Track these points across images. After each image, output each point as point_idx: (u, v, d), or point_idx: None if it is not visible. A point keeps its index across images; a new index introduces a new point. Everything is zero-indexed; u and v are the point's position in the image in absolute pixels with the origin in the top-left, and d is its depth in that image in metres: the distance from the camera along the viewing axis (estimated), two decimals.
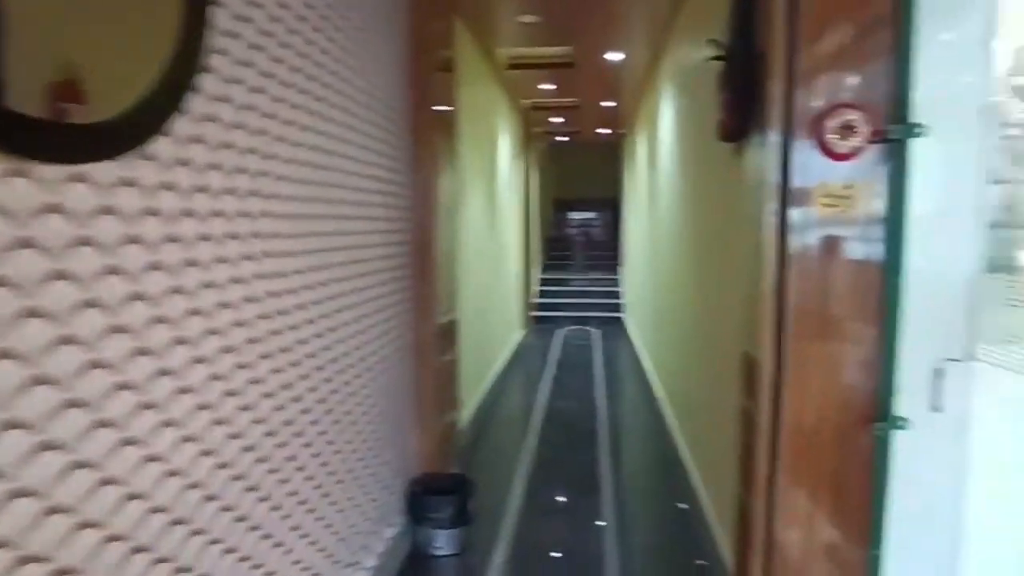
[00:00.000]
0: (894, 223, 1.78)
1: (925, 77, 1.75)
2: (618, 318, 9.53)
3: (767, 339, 1.87)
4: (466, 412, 4.28)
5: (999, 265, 2.39)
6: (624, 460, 4.16)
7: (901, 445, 1.84)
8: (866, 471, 1.86)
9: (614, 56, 4.96)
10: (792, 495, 1.88)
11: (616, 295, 10.16)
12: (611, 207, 11.81)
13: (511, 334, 7.33)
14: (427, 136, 2.93)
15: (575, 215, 14.44)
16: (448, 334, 3.26)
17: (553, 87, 6.18)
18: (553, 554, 2.93)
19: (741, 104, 2.01)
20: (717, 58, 2.14)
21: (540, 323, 9.45)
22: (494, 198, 5.83)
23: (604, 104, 7.05)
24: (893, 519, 1.87)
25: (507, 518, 3.24)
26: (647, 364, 6.16)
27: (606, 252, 11.74)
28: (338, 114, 2.05)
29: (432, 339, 3.01)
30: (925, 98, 1.75)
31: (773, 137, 1.82)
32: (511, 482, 3.69)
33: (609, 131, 9.18)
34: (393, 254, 2.64)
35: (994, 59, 1.79)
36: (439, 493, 2.86)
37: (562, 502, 3.50)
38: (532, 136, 8.97)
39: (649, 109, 5.83)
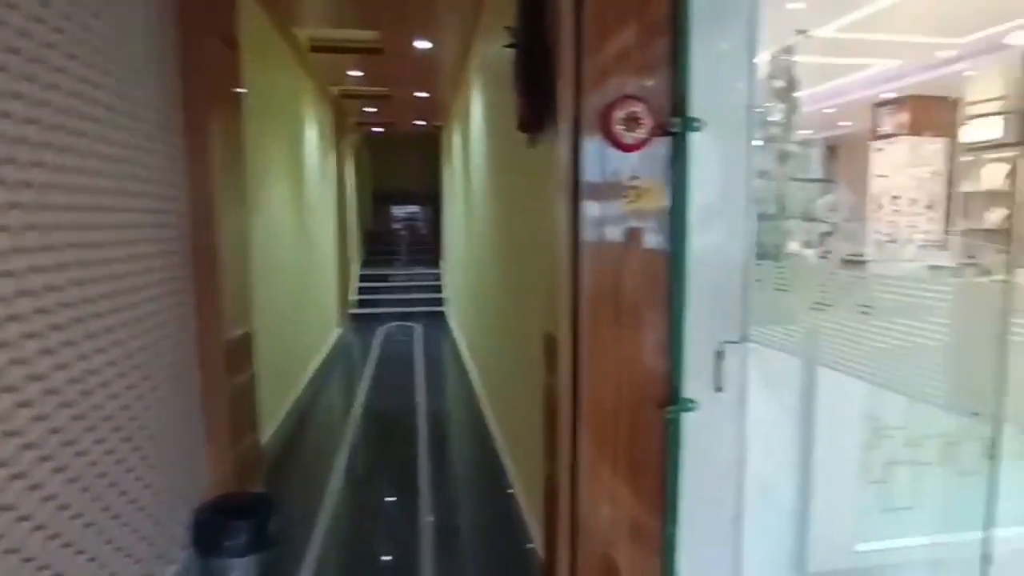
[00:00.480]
0: (677, 213, 1.85)
1: (700, 77, 1.84)
2: (441, 312, 9.48)
3: (565, 326, 1.87)
4: (273, 423, 3.93)
5: (767, 253, 2.64)
6: (445, 453, 4.08)
7: (691, 425, 1.92)
8: (662, 451, 1.93)
9: (423, 44, 4.83)
10: (595, 474, 1.90)
11: (439, 289, 10.10)
12: (434, 201, 11.73)
13: (327, 334, 6.94)
14: (205, 121, 2.57)
15: (398, 209, 14.18)
16: (241, 348, 2.92)
17: (361, 74, 5.90)
18: (372, 561, 2.76)
19: (534, 94, 1.98)
20: (511, 46, 2.10)
21: (360, 321, 9.10)
22: (302, 191, 5.44)
23: (418, 95, 6.90)
24: (686, 497, 1.95)
25: (318, 532, 3.00)
26: (466, 355, 6.16)
27: (429, 247, 11.64)
28: (74, 83, 1.69)
29: (220, 355, 2.66)
30: (700, 96, 1.83)
31: (565, 128, 1.81)
32: (324, 492, 3.44)
33: (425, 123, 9.05)
34: (162, 256, 2.28)
35: (756, 64, 1.92)
36: (233, 517, 2.55)
37: (381, 506, 3.34)
38: (345, 126, 8.56)
39: (462, 101, 5.79)
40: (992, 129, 7.01)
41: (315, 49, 4.79)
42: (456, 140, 6.89)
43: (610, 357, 1.88)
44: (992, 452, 1.73)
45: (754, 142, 1.96)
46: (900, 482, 2.20)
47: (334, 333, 7.45)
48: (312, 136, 5.94)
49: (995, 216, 7.51)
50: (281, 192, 4.56)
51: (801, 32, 2.34)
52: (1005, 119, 6.94)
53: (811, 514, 2.18)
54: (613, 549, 1.95)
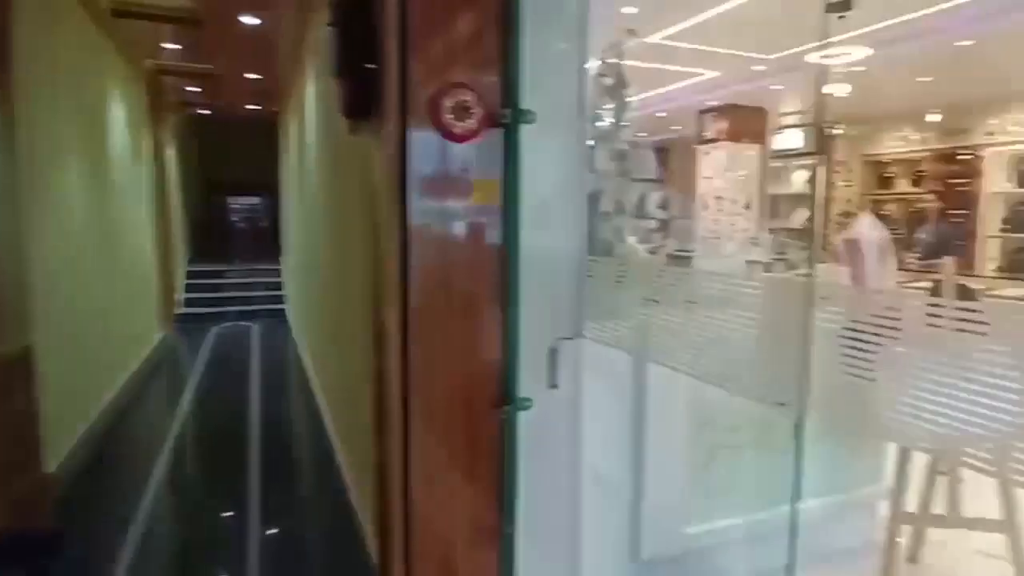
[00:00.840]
0: (510, 207, 1.79)
1: (532, 71, 1.79)
2: (282, 310, 8.90)
3: (394, 323, 1.75)
4: (66, 446, 3.40)
5: (602, 249, 2.69)
6: (280, 462, 3.78)
7: (527, 423, 1.88)
8: (499, 450, 1.88)
9: (250, 19, 4.43)
10: (429, 474, 1.80)
11: (279, 286, 9.49)
12: (276, 192, 11.00)
13: (145, 339, 6.22)
14: None
15: (236, 200, 13.21)
16: (16, 366, 2.45)
17: (180, 47, 5.32)
18: None
19: (357, 77, 1.83)
20: (333, 24, 1.93)
21: (189, 322, 8.29)
22: (105, 179, 4.78)
23: (250, 76, 6.37)
24: (524, 495, 1.91)
25: (123, 564, 2.63)
26: (305, 354, 5.81)
27: (270, 241, 10.90)
28: None
29: None
30: (533, 91, 1.78)
31: (391, 114, 1.69)
32: (135, 518, 3.02)
33: (261, 107, 8.42)
34: None
35: (588, 61, 1.91)
36: (7, 561, 2.14)
37: (203, 525, 3.00)
38: (165, 105, 7.70)
39: (298, 85, 5.42)
40: (796, 139, 7.89)
41: (118, 14, 4.20)
42: (293, 126, 6.46)
43: (443, 355, 1.79)
44: (797, 435, 1.86)
45: (588, 141, 1.96)
46: (722, 466, 2.33)
47: (155, 337, 6.70)
48: (119, 115, 5.25)
49: (799, 216, 8.48)
50: (74, 180, 3.96)
51: (631, 32, 2.39)
52: (805, 131, 7.84)
53: (644, 504, 2.24)
54: (451, 552, 1.87)
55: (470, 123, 1.71)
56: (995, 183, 6.77)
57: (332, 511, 3.13)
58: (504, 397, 1.85)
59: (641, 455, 2.23)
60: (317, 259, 4.70)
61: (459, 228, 1.78)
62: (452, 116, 1.69)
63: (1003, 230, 6.72)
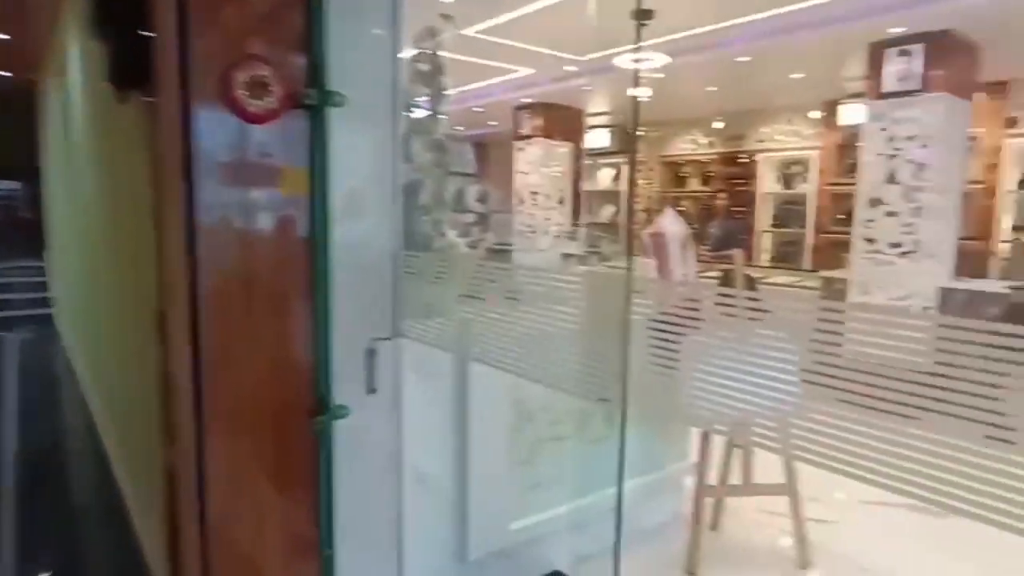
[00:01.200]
0: (317, 198, 1.62)
1: (342, 52, 1.63)
2: (49, 315, 7.62)
3: (180, 326, 1.51)
4: None
5: (421, 243, 2.58)
6: (44, 496, 3.18)
7: (344, 432, 1.74)
8: (314, 462, 1.71)
9: None
10: (233, 489, 1.60)
11: (44, 286, 8.12)
12: (37, 176, 9.36)
13: None
14: None
15: None
16: None
17: None
18: None
19: (124, 41, 1.54)
20: None
21: None
22: None
23: None
24: (344, 506, 1.76)
25: None
26: (79, 366, 5.01)
27: (32, 234, 9.27)
28: None
29: None
30: (343, 75, 1.63)
31: (169, 88, 1.43)
32: None
33: (11, 75, 7.08)
34: None
35: (402, 47, 1.80)
36: None
37: None
38: None
39: (59, 48, 4.60)
40: (604, 139, 8.39)
41: None
42: (55, 99, 5.49)
43: (244, 359, 1.59)
44: (621, 428, 1.91)
45: (402, 131, 1.85)
46: (545, 458, 2.35)
47: None
48: None
49: (607, 212, 9.05)
50: None
51: (447, 17, 2.30)
52: (612, 131, 8.36)
53: (469, 504, 2.19)
54: (262, 572, 1.67)
55: (269, 101, 1.51)
56: (767, 184, 7.77)
57: (111, 543, 2.70)
58: (318, 405, 1.68)
59: (465, 455, 2.18)
60: (91, 254, 4.05)
61: (262, 220, 1.57)
62: (247, 93, 1.48)
63: (773, 225, 7.76)
